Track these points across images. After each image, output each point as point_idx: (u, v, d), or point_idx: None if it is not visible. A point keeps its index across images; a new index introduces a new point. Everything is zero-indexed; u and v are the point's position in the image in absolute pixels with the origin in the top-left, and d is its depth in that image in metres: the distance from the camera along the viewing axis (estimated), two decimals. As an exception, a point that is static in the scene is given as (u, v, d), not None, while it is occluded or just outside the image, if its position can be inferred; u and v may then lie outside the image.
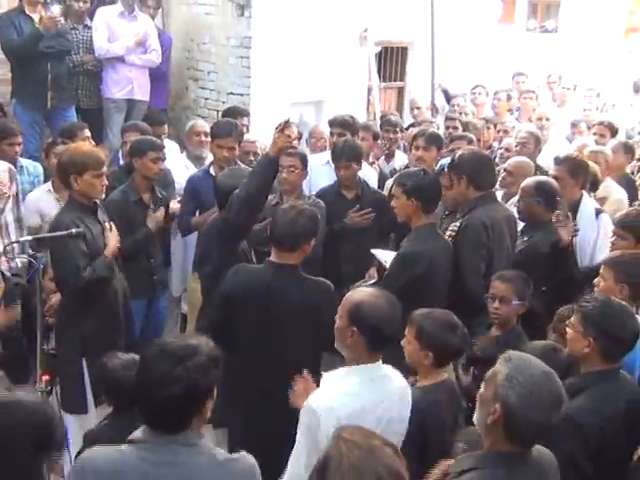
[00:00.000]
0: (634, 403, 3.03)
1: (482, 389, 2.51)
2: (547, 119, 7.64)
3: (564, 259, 4.44)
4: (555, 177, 4.87)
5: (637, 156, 5.16)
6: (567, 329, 3.22)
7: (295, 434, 2.82)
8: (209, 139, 6.00)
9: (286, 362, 3.47)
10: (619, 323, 3.05)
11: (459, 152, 4.68)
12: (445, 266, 4.16)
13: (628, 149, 6.26)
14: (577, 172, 4.93)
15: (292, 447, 2.82)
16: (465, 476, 2.42)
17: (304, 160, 5.14)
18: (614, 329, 3.03)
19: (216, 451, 2.32)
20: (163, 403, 2.19)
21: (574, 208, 4.88)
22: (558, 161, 5.04)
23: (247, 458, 2.38)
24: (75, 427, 4.11)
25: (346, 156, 5.20)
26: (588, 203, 4.96)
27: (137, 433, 2.28)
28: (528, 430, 2.38)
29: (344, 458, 1.85)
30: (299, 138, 6.39)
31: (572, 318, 3.18)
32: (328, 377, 2.91)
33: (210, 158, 5.82)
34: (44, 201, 5.29)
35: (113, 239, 4.36)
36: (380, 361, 2.91)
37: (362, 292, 2.97)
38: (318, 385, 3.00)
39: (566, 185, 4.85)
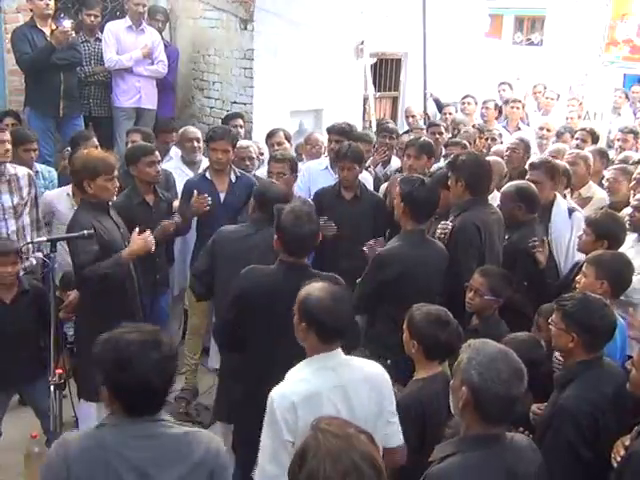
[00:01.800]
0: (619, 388, 3.05)
1: (452, 380, 2.58)
2: (548, 130, 7.57)
3: (541, 278, 4.44)
4: (534, 181, 4.82)
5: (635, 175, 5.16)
6: (550, 326, 3.26)
7: None
8: (201, 144, 6.02)
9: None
10: (598, 316, 3.10)
11: (462, 155, 4.59)
12: (426, 271, 4.05)
13: (603, 154, 6.27)
14: (554, 175, 4.95)
15: None
16: (445, 461, 2.46)
17: (293, 165, 5.12)
18: (594, 323, 3.08)
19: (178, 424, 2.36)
20: (160, 387, 2.22)
21: (548, 208, 4.88)
22: (535, 165, 5.02)
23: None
24: (95, 414, 4.11)
25: (350, 158, 5.21)
26: (561, 203, 4.96)
27: (106, 419, 2.29)
28: (494, 404, 2.42)
29: (321, 446, 1.85)
30: (289, 141, 6.39)
31: (553, 316, 3.22)
32: (290, 371, 2.89)
33: (205, 163, 5.80)
34: (61, 203, 5.31)
35: (136, 244, 4.32)
36: (337, 350, 2.86)
37: (311, 287, 2.90)
38: None
39: (544, 188, 4.85)
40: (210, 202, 5.09)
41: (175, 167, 6.11)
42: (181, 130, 6.39)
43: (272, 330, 3.44)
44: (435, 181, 4.49)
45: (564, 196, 5.18)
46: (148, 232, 4.41)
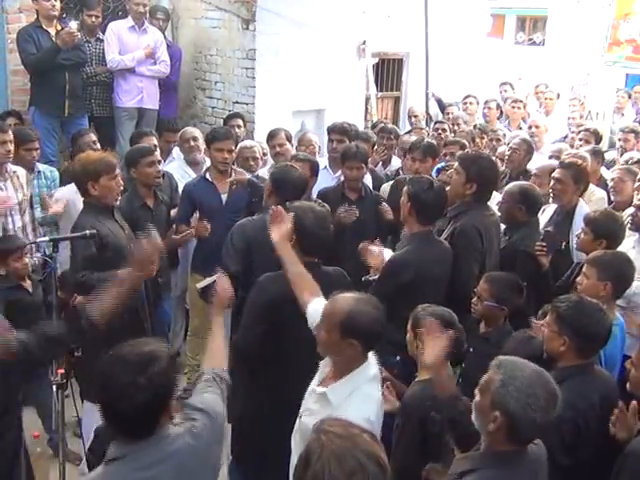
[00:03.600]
0: (607, 397, 3.02)
1: (478, 397, 2.48)
2: (537, 127, 7.65)
3: (546, 280, 4.41)
4: (558, 180, 4.83)
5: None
6: (542, 328, 3.21)
7: None
8: (199, 143, 6.02)
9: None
10: (592, 322, 3.02)
11: (478, 159, 4.46)
12: (438, 271, 4.06)
13: (597, 154, 6.25)
14: (579, 179, 4.87)
15: None
16: (466, 478, 2.39)
17: (314, 167, 5.10)
18: (588, 328, 3.01)
19: (181, 427, 2.31)
20: (130, 413, 2.14)
21: (571, 212, 4.86)
22: (563, 165, 4.95)
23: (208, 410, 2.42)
24: (98, 415, 4.09)
25: (359, 158, 5.24)
26: (584, 207, 4.92)
27: (112, 451, 2.23)
28: (530, 432, 2.38)
29: (325, 448, 1.85)
30: (290, 141, 6.39)
31: (547, 317, 3.16)
32: (334, 391, 2.81)
33: (207, 162, 5.79)
34: (74, 200, 5.24)
35: (135, 267, 4.29)
36: (369, 359, 2.89)
37: (345, 302, 2.83)
38: None
39: (567, 189, 4.82)
40: (210, 230, 5.07)
41: (178, 168, 6.12)
42: (180, 132, 6.41)
43: (296, 335, 3.33)
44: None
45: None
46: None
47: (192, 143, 6.12)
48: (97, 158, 4.35)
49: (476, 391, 2.50)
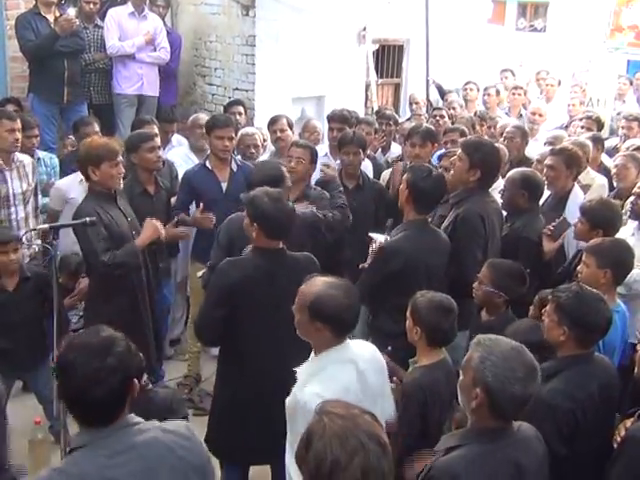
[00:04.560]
0: (606, 386, 3.02)
1: (461, 376, 2.52)
2: (540, 115, 7.63)
3: (548, 267, 4.43)
4: (550, 166, 4.89)
5: None
6: (543, 317, 3.21)
7: None
8: None
9: (288, 343, 3.46)
10: (592, 312, 3.02)
11: (482, 145, 4.44)
12: (432, 260, 4.05)
13: (597, 140, 6.26)
14: (571, 163, 4.93)
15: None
16: (452, 453, 2.43)
17: (314, 154, 5.11)
18: (587, 318, 3.01)
19: (151, 423, 2.24)
20: (105, 396, 2.08)
21: (564, 198, 4.90)
22: (555, 152, 5.03)
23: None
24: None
25: (356, 143, 5.23)
26: (578, 194, 4.96)
27: (76, 439, 2.16)
28: (510, 405, 2.40)
29: (327, 428, 1.87)
30: (291, 128, 6.38)
31: (547, 307, 3.16)
32: (303, 370, 2.86)
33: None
34: (75, 191, 5.22)
35: (148, 230, 4.39)
36: (347, 341, 2.88)
37: (317, 285, 2.84)
38: None
39: (560, 175, 4.88)
40: (214, 221, 5.00)
41: (183, 155, 6.11)
42: (192, 117, 6.43)
43: (261, 320, 3.45)
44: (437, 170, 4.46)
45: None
46: (158, 223, 4.45)
47: (204, 130, 6.09)
48: (101, 144, 4.37)
49: (460, 370, 2.55)
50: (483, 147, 4.42)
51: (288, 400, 2.82)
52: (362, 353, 2.93)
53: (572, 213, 4.66)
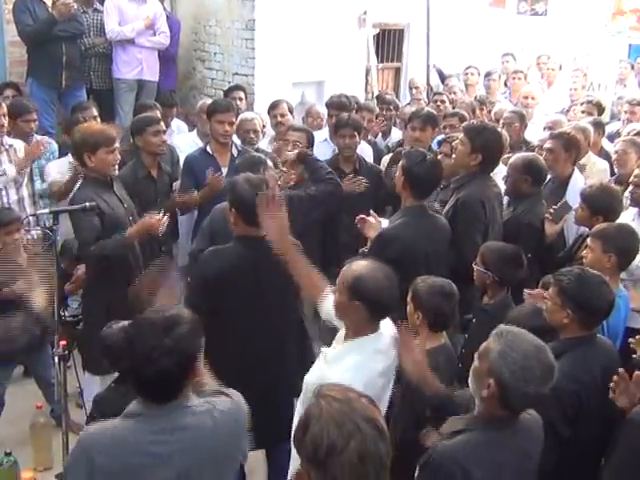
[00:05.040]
0: (609, 368, 3.02)
1: (476, 362, 2.52)
2: (532, 98, 7.64)
3: (550, 252, 4.43)
4: (549, 150, 4.93)
5: None
6: (545, 300, 3.21)
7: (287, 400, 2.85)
8: None
9: (276, 329, 3.50)
10: (595, 295, 3.03)
11: (485, 130, 4.42)
12: (430, 246, 4.02)
13: (598, 125, 6.25)
14: (570, 147, 4.96)
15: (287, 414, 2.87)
16: (457, 437, 2.44)
17: (310, 137, 5.08)
18: (590, 301, 3.02)
19: (209, 402, 2.29)
20: (156, 376, 2.14)
21: (565, 182, 4.91)
22: (553, 135, 5.08)
23: (233, 395, 2.39)
24: (99, 388, 4.12)
25: (351, 126, 5.22)
26: (578, 178, 4.98)
27: (131, 407, 2.23)
28: (521, 402, 2.41)
29: (324, 411, 1.87)
30: (291, 113, 6.35)
31: (550, 290, 3.17)
32: (329, 353, 2.89)
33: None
34: (63, 174, 5.29)
35: (144, 226, 4.31)
36: (380, 330, 2.90)
37: (359, 265, 2.90)
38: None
39: (559, 158, 4.92)
40: (210, 203, 4.89)
41: (190, 141, 6.09)
42: (199, 103, 6.43)
43: (245, 310, 3.43)
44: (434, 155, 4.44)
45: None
46: (165, 217, 4.36)
47: None
48: (97, 130, 4.34)
49: (475, 356, 2.54)
50: (485, 131, 4.40)
51: (311, 377, 2.83)
52: (393, 341, 2.93)
53: (573, 197, 4.66)
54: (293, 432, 1.96)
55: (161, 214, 4.37)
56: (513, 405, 2.42)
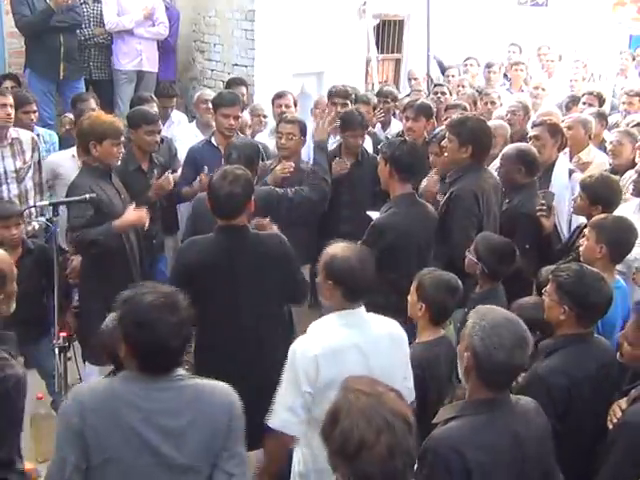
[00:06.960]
0: (604, 367, 3.03)
1: (459, 345, 2.57)
2: (543, 89, 7.67)
3: (547, 243, 4.43)
4: (536, 137, 5.02)
5: None
6: (543, 297, 3.21)
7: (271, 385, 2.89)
8: None
9: (256, 319, 3.51)
10: (592, 292, 3.02)
11: (469, 121, 4.42)
12: (423, 233, 4.07)
13: (601, 117, 6.26)
14: (555, 133, 5.06)
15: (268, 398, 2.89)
16: (449, 424, 2.47)
17: (303, 128, 5.09)
18: (587, 298, 3.01)
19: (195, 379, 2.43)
20: (177, 349, 2.30)
21: (550, 168, 4.97)
22: (537, 123, 5.22)
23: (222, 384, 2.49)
24: (99, 377, 4.14)
25: (362, 127, 5.26)
26: (563, 163, 5.06)
27: (123, 373, 2.37)
28: (494, 371, 2.42)
29: (353, 405, 1.88)
30: (295, 105, 6.34)
31: (548, 287, 3.16)
32: (313, 324, 2.95)
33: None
34: (65, 167, 5.20)
35: (130, 216, 4.29)
36: (361, 308, 2.93)
37: (336, 247, 2.97)
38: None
39: (546, 144, 5.01)
40: None
41: (191, 133, 6.08)
42: (197, 94, 6.44)
43: (221, 299, 3.46)
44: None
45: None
46: (144, 210, 4.38)
47: (209, 105, 6.00)
48: (107, 121, 4.36)
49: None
50: (468, 121, 4.40)
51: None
52: (378, 325, 2.95)
53: (557, 184, 4.69)
54: (321, 425, 1.96)
55: (143, 209, 4.38)
56: (489, 376, 2.43)
